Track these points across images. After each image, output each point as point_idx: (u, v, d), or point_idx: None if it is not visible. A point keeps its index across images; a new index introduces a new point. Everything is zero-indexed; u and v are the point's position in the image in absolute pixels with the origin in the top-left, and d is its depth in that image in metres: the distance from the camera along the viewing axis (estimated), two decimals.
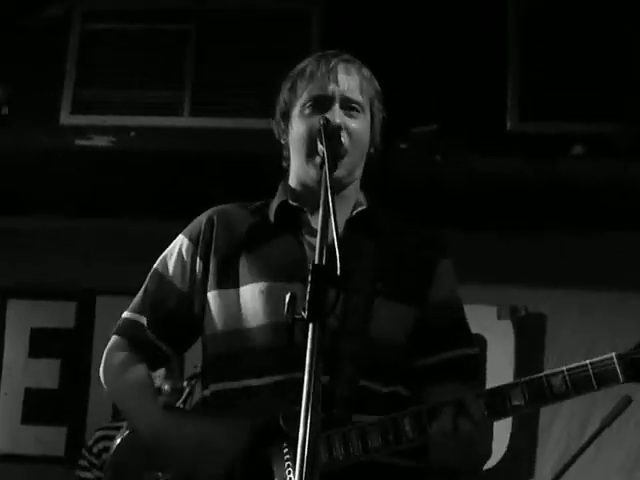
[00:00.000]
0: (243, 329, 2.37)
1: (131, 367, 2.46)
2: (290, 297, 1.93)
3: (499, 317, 5.61)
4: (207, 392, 2.45)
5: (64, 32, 5.07)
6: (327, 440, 2.21)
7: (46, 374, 5.92)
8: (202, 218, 2.51)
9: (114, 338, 2.52)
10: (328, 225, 2.04)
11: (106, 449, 4.81)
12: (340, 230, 2.27)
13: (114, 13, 5.09)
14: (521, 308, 5.59)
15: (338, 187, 2.31)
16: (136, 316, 2.48)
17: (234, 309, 2.39)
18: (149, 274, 2.52)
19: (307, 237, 2.39)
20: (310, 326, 1.89)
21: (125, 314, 2.52)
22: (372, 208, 2.49)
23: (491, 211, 5.24)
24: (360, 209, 2.47)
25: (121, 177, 5.26)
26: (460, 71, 4.81)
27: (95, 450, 4.87)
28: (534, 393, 2.21)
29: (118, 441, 2.48)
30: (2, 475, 5.83)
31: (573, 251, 5.36)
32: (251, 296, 2.36)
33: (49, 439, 5.85)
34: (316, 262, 1.97)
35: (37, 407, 5.92)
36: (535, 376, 2.24)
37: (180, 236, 2.51)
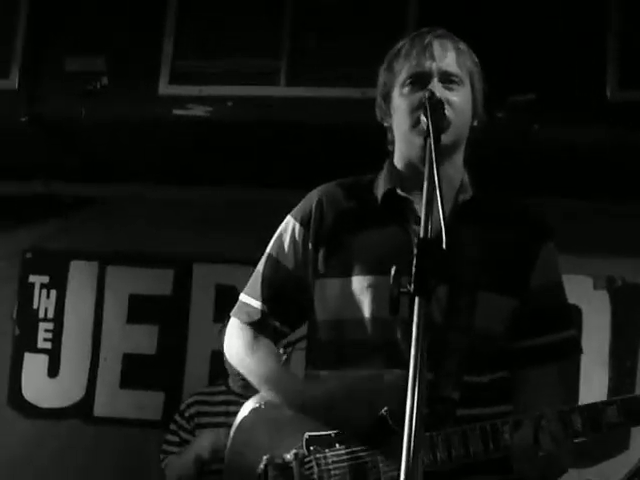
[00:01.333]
0: (350, 320, 2.40)
1: (261, 345, 2.52)
2: (395, 271, 1.94)
3: (595, 287, 5.55)
4: (311, 373, 2.50)
5: (162, 1, 5.11)
6: (431, 441, 2.23)
7: (144, 340, 6.02)
8: (312, 200, 2.52)
9: (236, 323, 2.58)
10: (433, 202, 2.03)
11: (198, 414, 4.90)
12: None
13: None
14: (618, 278, 5.53)
15: (443, 156, 2.29)
16: (256, 303, 2.53)
17: (342, 299, 2.41)
18: (263, 258, 2.56)
19: (415, 228, 2.37)
20: (416, 300, 1.88)
21: (244, 298, 2.56)
22: (476, 195, 2.48)
23: (588, 181, 5.17)
24: (466, 198, 2.45)
25: (218, 146, 5.30)
26: (558, 39, 4.73)
27: (187, 414, 4.96)
28: (626, 412, 2.20)
29: (240, 418, 2.51)
30: (102, 438, 5.95)
31: None
32: (359, 288, 2.38)
33: (147, 404, 5.96)
34: (421, 236, 1.97)
35: (135, 372, 6.03)
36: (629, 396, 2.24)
37: (290, 219, 2.53)
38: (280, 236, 2.54)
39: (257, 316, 2.52)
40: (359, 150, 4.75)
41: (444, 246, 1.93)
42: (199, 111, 4.96)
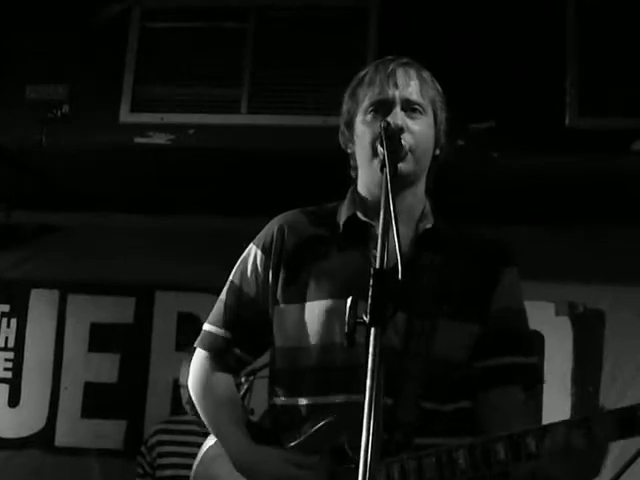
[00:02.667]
0: (307, 346, 2.38)
1: (219, 383, 2.51)
2: (352, 301, 1.94)
3: (557, 313, 5.58)
4: (272, 402, 2.47)
5: (123, 31, 5.10)
6: (386, 469, 2.20)
7: (106, 368, 5.99)
8: (273, 227, 2.51)
9: (200, 352, 2.56)
10: (389, 231, 2.03)
11: (159, 443, 4.87)
12: (406, 246, 2.30)
13: (173, 11, 5.12)
14: (579, 304, 5.56)
15: (402, 185, 2.31)
16: (220, 331, 2.51)
17: (299, 325, 2.40)
18: (226, 286, 2.55)
19: (375, 252, 2.30)
20: (372, 330, 1.88)
21: (208, 327, 2.55)
22: (437, 224, 2.47)
23: (549, 207, 5.21)
24: (426, 227, 2.45)
25: (181, 174, 5.30)
26: (518, 67, 4.78)
27: (149, 444, 4.94)
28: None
29: (204, 450, 2.50)
30: (62, 468, 5.90)
31: (633, 247, 5.31)
32: (317, 313, 2.37)
33: (109, 433, 5.91)
34: (377, 267, 1.96)
35: (97, 401, 5.99)
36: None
37: (252, 246, 2.53)
38: (242, 263, 2.53)
39: (221, 344, 2.51)
40: (322, 177, 4.79)
41: (400, 276, 1.93)
42: (161, 139, 4.95)
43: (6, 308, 6.15)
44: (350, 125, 2.49)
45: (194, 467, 2.52)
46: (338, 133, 2.54)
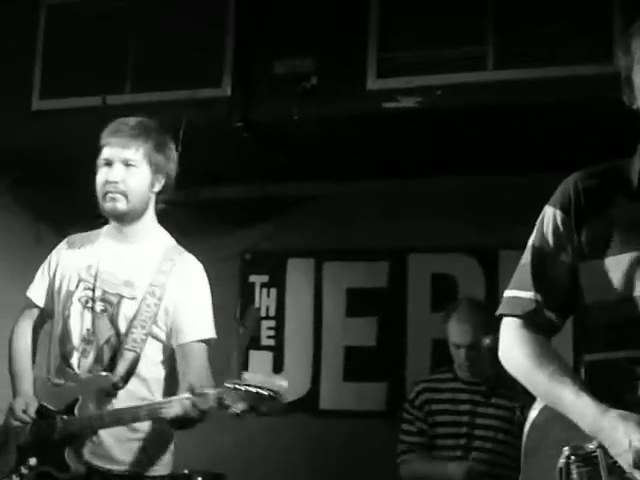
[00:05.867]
0: (624, 298, 2.37)
1: (537, 340, 2.49)
2: None
3: None
4: (589, 359, 2.45)
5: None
6: None
7: (364, 332, 6.13)
8: (568, 188, 2.52)
9: (508, 320, 2.55)
10: None
11: (428, 401, 4.92)
12: None
13: None
14: None
15: None
16: (528, 294, 2.52)
17: (608, 278, 2.39)
18: (527, 250, 2.57)
19: None
20: None
21: (512, 293, 2.56)
22: None
23: None
24: None
25: (430, 137, 5.33)
26: None
27: (417, 403, 4.97)
28: None
29: (531, 418, 2.48)
30: (327, 430, 6.09)
31: None
32: (623, 265, 2.37)
33: (371, 395, 6.07)
34: None
35: (357, 364, 6.15)
36: None
37: (550, 208, 2.54)
38: (541, 226, 2.55)
39: (531, 306, 2.51)
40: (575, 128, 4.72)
41: None
42: (409, 102, 4.99)
43: (265, 279, 6.39)
44: (629, 81, 2.46)
45: (525, 433, 2.48)
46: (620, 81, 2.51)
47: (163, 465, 3.75)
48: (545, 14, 4.79)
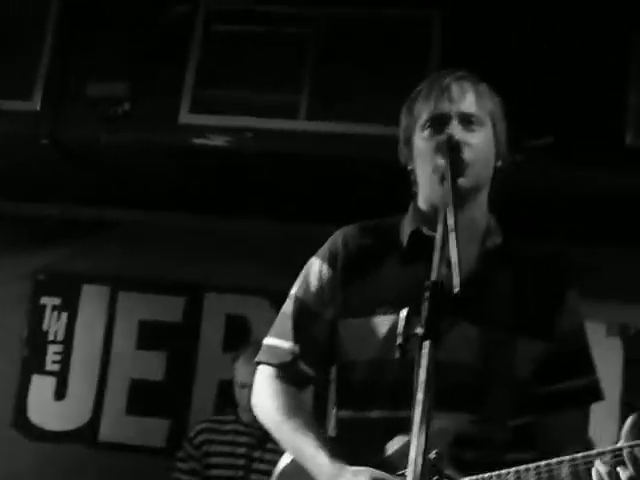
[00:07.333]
0: (376, 359, 2.37)
1: (289, 394, 2.48)
2: (407, 313, 1.95)
3: (608, 334, 5.52)
4: (340, 416, 2.47)
5: (187, 32, 5.14)
6: None
7: (152, 366, 6.02)
8: (337, 241, 2.51)
9: (264, 368, 2.54)
10: (448, 242, 2.03)
11: (207, 441, 4.89)
12: (472, 261, 2.34)
13: (236, 14, 5.15)
14: (631, 326, 5.50)
15: (463, 199, 2.29)
16: (286, 344, 2.49)
17: (366, 338, 2.39)
18: (289, 299, 2.54)
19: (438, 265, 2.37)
20: (425, 343, 1.89)
21: (272, 341, 2.53)
22: (506, 240, 2.47)
23: (604, 227, 5.16)
24: (496, 242, 2.45)
25: (236, 177, 5.32)
26: (578, 84, 4.74)
27: (196, 442, 4.95)
28: None
29: (281, 466, 2.46)
30: (105, 463, 5.92)
31: None
32: (382, 327, 2.37)
33: (152, 430, 5.95)
34: (433, 279, 1.97)
35: (142, 398, 6.03)
36: None
37: (316, 260, 2.52)
38: (306, 277, 2.52)
39: (287, 358, 2.48)
40: (377, 184, 4.80)
41: (457, 289, 1.93)
42: (219, 141, 4.98)
43: (57, 301, 6.20)
44: (409, 141, 2.49)
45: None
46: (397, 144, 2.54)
47: None
48: (361, 74, 4.87)
